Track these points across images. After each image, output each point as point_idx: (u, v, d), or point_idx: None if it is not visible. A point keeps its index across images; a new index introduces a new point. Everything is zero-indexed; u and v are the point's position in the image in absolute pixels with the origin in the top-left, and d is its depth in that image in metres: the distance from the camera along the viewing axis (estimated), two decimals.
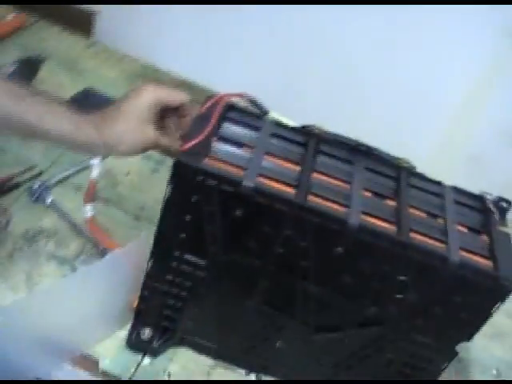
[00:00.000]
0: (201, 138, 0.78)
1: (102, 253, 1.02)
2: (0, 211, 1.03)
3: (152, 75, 1.51)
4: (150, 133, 0.83)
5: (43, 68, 1.38)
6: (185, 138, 0.79)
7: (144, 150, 0.85)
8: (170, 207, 0.81)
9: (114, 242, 1.02)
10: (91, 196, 1.06)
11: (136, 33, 1.51)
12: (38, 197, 1.08)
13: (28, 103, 0.79)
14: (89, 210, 1.05)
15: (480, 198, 0.89)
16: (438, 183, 0.89)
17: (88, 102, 1.27)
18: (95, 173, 1.09)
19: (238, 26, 1.44)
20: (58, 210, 1.07)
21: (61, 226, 1.07)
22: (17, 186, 1.09)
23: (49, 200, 1.07)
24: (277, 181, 0.79)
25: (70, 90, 1.33)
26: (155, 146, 0.86)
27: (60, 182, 1.13)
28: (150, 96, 0.83)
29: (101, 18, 1.52)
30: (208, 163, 0.78)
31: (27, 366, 0.85)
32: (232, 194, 0.77)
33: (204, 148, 0.79)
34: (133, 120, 0.82)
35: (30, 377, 0.85)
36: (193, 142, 0.77)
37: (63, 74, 1.39)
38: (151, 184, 1.20)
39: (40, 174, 1.13)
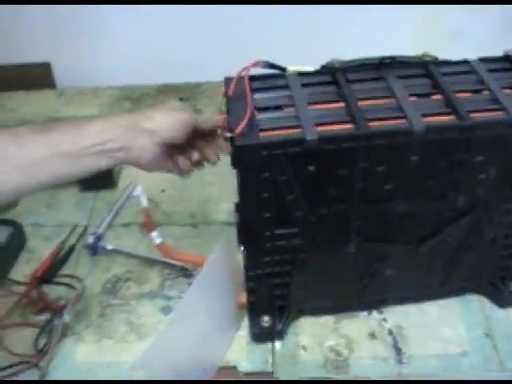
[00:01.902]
0: (247, 117, 0.78)
1: (184, 271, 1.03)
2: (74, 281, 1.02)
3: (131, 94, 1.50)
4: (185, 114, 0.82)
5: None
6: (230, 124, 0.79)
7: (184, 131, 0.82)
8: (246, 193, 0.81)
9: (193, 256, 1.02)
10: (150, 224, 1.05)
11: (93, 63, 1.49)
12: (97, 249, 1.07)
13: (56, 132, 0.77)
14: (156, 237, 1.04)
15: (507, 58, 0.91)
16: (465, 62, 0.90)
17: None
18: (144, 201, 1.08)
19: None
20: (121, 252, 1.07)
21: (132, 266, 1.07)
22: (72, 250, 1.08)
23: (109, 247, 1.07)
24: (332, 123, 0.80)
25: None
26: (194, 125, 0.84)
27: (108, 227, 1.12)
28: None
29: (54, 65, 1.49)
30: (264, 136, 0.78)
31: None
32: (300, 154, 0.77)
33: (251, 125, 0.79)
34: (165, 110, 0.82)
35: None
36: (243, 124, 0.77)
37: None
38: (188, 191, 1.21)
39: (86, 228, 1.12)
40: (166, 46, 1.44)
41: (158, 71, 1.47)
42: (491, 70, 0.88)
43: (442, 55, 0.90)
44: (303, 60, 0.88)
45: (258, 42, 1.32)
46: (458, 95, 0.84)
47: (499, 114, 0.81)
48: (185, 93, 1.49)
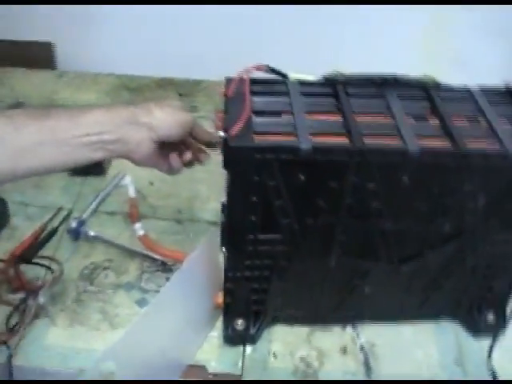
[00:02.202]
0: (244, 119, 0.78)
1: (163, 266, 1.02)
2: (53, 263, 1.01)
3: (130, 84, 1.50)
4: (185, 115, 0.82)
5: None
6: (227, 123, 0.79)
7: (182, 132, 0.83)
8: (235, 195, 0.81)
9: (175, 252, 1.02)
10: (136, 215, 1.05)
11: (96, 49, 1.48)
12: (79, 235, 1.06)
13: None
14: (139, 229, 1.04)
15: (507, 91, 0.91)
16: (466, 90, 0.90)
17: None
18: (132, 191, 1.08)
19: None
20: (102, 240, 1.07)
21: (112, 255, 1.06)
22: (54, 232, 1.08)
23: (91, 234, 1.06)
24: (328, 135, 0.80)
25: None
26: (192, 128, 0.84)
27: (92, 213, 1.12)
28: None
29: (57, 47, 1.49)
30: (259, 139, 0.78)
31: None
32: (292, 162, 0.77)
33: (247, 127, 0.79)
34: (167, 108, 0.81)
35: None
36: (239, 125, 0.77)
37: None
38: (177, 186, 1.20)
39: (70, 212, 1.12)
40: (170, 40, 1.45)
41: (160, 64, 1.47)
42: (491, 101, 0.89)
43: (447, 74, 0.90)
44: (304, 66, 0.88)
45: (261, 45, 1.33)
46: (456, 122, 0.84)
47: (495, 146, 0.81)
48: (184, 89, 1.49)
